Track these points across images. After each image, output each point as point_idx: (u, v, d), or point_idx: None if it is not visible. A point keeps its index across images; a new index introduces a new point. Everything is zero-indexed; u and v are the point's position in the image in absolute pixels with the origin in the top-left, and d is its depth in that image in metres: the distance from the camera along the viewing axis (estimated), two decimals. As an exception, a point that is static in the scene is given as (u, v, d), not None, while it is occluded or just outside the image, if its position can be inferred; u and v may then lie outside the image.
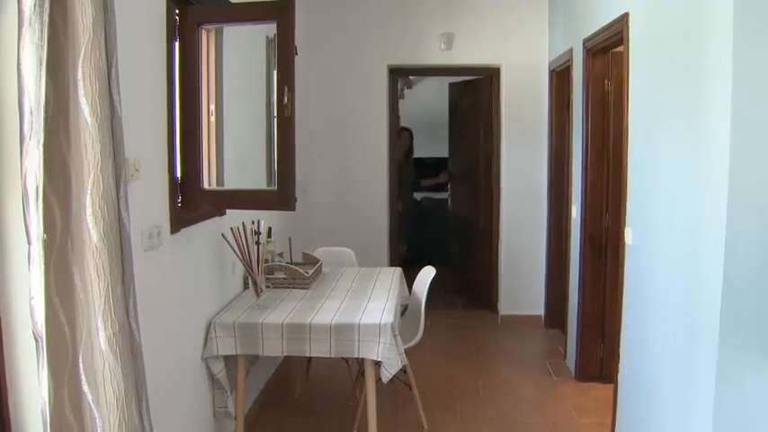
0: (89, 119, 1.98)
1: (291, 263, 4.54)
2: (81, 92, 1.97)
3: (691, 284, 2.97)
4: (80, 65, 1.98)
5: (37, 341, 1.97)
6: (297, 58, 5.59)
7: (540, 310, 6.46)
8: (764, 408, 2.64)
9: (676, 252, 3.14)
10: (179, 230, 3.17)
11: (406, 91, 9.97)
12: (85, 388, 2.04)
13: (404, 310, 4.60)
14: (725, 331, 2.64)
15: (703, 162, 2.82)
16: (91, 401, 2.04)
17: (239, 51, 3.87)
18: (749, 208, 2.58)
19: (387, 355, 3.47)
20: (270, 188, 3.15)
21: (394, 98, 6.68)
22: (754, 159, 2.57)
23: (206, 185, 3.39)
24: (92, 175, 2.00)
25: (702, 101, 2.83)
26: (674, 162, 3.17)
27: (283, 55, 3.01)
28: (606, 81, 4.65)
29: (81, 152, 1.99)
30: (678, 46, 3.13)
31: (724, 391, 2.67)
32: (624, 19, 3.78)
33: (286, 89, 2.97)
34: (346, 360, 4.65)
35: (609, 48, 4.45)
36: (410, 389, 4.30)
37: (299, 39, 5.45)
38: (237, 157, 3.83)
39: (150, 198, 2.90)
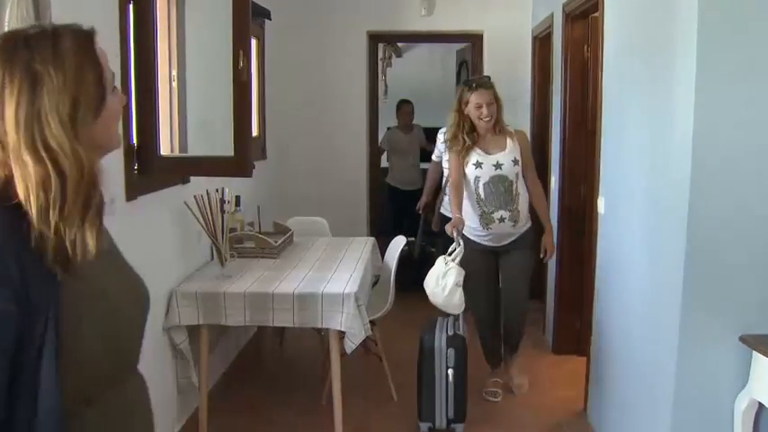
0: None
1: (261, 232, 4.46)
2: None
3: (655, 255, 2.92)
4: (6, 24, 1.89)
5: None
6: (271, 24, 5.48)
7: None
8: (726, 378, 2.60)
9: (643, 222, 3.08)
10: (135, 198, 3.09)
11: (394, 59, 9.72)
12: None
13: (376, 281, 4.53)
14: (686, 302, 2.60)
15: (668, 130, 2.76)
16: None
17: (203, 14, 3.74)
18: (712, 179, 2.53)
19: (350, 326, 3.41)
20: (227, 155, 3.05)
21: (374, 65, 6.54)
22: (717, 130, 2.52)
23: (165, 152, 3.31)
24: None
25: (670, 69, 2.76)
26: (642, 130, 3.10)
27: (238, 17, 2.90)
28: (586, 47, 4.53)
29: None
30: (650, 10, 3.04)
31: (685, 361, 2.64)
32: (600, -18, 3.67)
33: (241, 53, 2.87)
34: (318, 331, 4.59)
35: (588, 12, 4.32)
36: (380, 360, 4.25)
37: (273, 3, 5.34)
38: (201, 123, 3.72)
39: (104, 164, 2.81)
